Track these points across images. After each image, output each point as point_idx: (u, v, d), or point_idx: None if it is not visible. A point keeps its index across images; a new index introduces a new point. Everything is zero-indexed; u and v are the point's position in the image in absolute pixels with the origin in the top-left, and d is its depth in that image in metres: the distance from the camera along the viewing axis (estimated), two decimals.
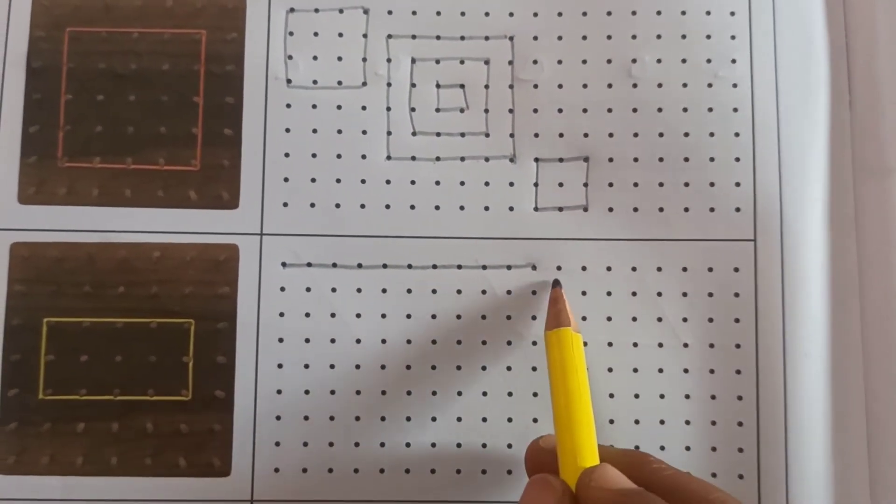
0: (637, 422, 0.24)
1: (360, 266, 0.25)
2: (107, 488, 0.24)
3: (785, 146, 0.25)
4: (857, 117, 0.25)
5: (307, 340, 0.25)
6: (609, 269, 0.25)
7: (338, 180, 0.25)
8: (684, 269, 0.25)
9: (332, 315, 0.25)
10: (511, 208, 0.25)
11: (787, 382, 0.24)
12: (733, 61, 0.25)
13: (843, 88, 0.26)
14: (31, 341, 0.24)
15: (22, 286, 0.25)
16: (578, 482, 0.20)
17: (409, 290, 0.25)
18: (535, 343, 0.25)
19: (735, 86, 0.25)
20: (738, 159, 0.25)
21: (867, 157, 0.25)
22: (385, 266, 0.25)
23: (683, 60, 0.25)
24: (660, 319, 0.25)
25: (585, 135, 0.25)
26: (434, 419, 0.24)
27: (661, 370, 0.25)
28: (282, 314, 0.25)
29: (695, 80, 0.25)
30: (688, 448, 0.24)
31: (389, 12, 0.26)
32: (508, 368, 0.25)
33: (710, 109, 0.25)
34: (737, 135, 0.25)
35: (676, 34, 0.25)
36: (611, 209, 0.25)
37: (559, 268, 0.25)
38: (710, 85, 0.25)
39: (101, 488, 0.24)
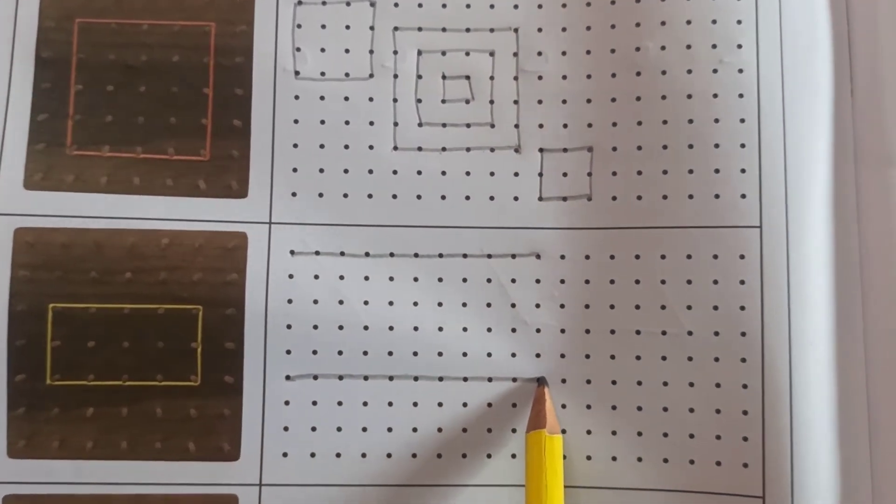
0: (640, 408, 0.24)
1: (367, 254, 0.25)
2: (117, 472, 0.24)
3: (790, 132, 0.25)
4: (858, 106, 0.26)
5: (315, 327, 0.25)
6: (612, 257, 0.25)
7: (345, 170, 0.26)
8: (689, 257, 0.25)
9: (340, 302, 0.25)
10: (516, 198, 0.26)
11: (792, 371, 0.24)
12: (739, 46, 0.25)
13: (847, 75, 0.26)
14: (36, 327, 0.24)
15: (26, 271, 0.25)
16: None
17: (415, 279, 0.25)
18: (538, 330, 0.25)
19: (741, 71, 0.25)
20: (743, 145, 0.25)
21: (868, 146, 0.25)
22: (392, 255, 0.25)
23: (688, 46, 0.25)
24: (663, 307, 0.25)
25: (589, 125, 0.26)
26: (440, 404, 0.25)
27: (664, 358, 0.25)
28: (290, 301, 0.25)
29: (700, 66, 0.25)
30: (691, 436, 0.24)
31: (396, 5, 0.26)
32: (513, 355, 0.25)
33: (716, 95, 0.25)
34: (742, 121, 0.25)
35: (681, 20, 0.25)
36: (614, 198, 0.25)
37: (563, 256, 0.25)
38: (715, 71, 0.25)
39: (112, 472, 0.24)
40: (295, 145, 0.26)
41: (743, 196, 0.25)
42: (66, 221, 0.25)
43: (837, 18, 0.26)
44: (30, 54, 0.26)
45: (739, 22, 0.25)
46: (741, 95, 0.25)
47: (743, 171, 0.25)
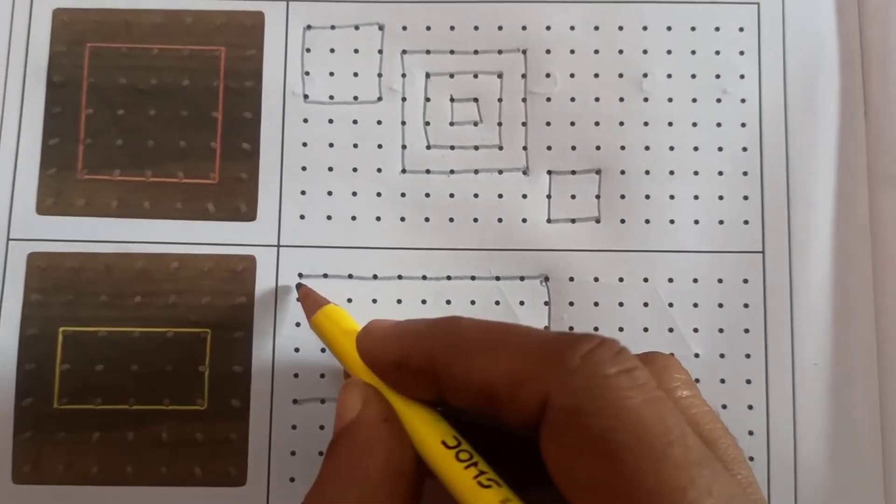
0: None
1: (375, 277, 0.25)
2: (122, 497, 0.24)
3: (793, 159, 0.26)
4: (871, 125, 0.26)
5: (323, 350, 0.25)
6: (621, 279, 0.25)
7: (354, 193, 0.26)
8: (695, 281, 0.25)
9: None
10: (524, 220, 0.26)
11: (795, 391, 0.24)
12: (742, 76, 0.26)
13: (854, 99, 0.26)
14: (46, 351, 0.25)
15: (38, 296, 0.25)
16: (357, 345, 0.19)
17: (423, 301, 0.25)
18: None
19: (743, 101, 0.26)
20: (745, 173, 0.26)
21: (881, 164, 0.26)
22: (400, 277, 0.25)
23: (693, 76, 0.26)
24: (671, 330, 0.25)
25: (598, 148, 0.26)
26: None
27: None
28: (298, 324, 0.25)
29: (704, 95, 0.26)
30: None
31: (404, 28, 0.26)
32: None
33: (719, 125, 0.26)
34: (744, 149, 0.26)
35: (686, 49, 0.26)
36: (623, 221, 0.26)
37: (571, 279, 0.25)
38: (718, 100, 0.26)
39: (117, 497, 0.24)
40: (303, 168, 0.26)
41: (746, 222, 0.25)
42: (76, 246, 0.25)
43: (846, 44, 0.26)
44: (41, 79, 0.26)
45: (742, 53, 0.26)
46: (743, 125, 0.26)
47: (745, 197, 0.26)
